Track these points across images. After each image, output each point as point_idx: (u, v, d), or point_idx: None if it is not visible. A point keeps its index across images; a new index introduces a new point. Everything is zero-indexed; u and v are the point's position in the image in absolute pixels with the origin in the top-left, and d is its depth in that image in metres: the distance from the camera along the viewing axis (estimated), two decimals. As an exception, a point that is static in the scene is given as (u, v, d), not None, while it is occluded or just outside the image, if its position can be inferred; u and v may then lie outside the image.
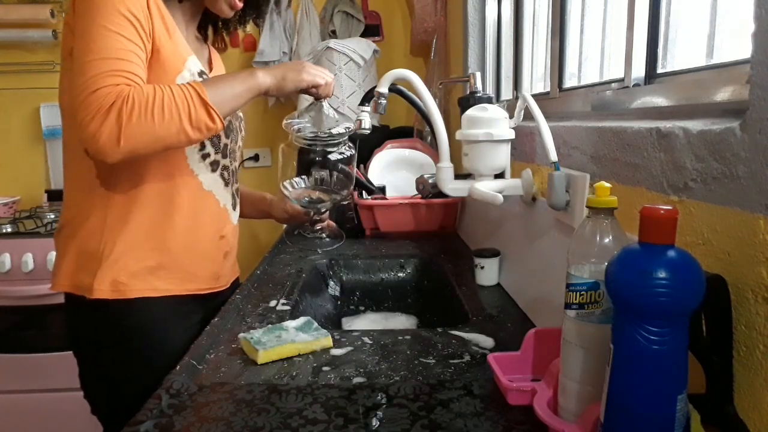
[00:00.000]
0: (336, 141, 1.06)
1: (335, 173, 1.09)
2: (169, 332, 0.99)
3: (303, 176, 1.09)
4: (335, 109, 1.14)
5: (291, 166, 1.10)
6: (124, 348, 0.97)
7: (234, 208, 1.13)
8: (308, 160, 1.07)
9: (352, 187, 1.13)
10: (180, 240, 0.99)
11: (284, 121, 1.07)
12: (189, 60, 0.98)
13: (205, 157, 1.02)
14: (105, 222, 0.95)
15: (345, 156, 1.09)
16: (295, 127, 1.06)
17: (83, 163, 0.95)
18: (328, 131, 1.05)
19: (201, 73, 1.00)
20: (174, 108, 0.84)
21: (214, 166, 1.04)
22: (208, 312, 1.06)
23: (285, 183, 1.10)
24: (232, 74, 0.96)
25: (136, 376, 0.93)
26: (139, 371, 0.94)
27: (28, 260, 1.99)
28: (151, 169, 0.96)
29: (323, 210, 1.17)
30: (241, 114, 1.16)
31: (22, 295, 2.00)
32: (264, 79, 0.95)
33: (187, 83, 0.88)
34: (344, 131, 1.07)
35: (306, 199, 1.11)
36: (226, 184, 1.08)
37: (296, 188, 1.09)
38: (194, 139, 0.88)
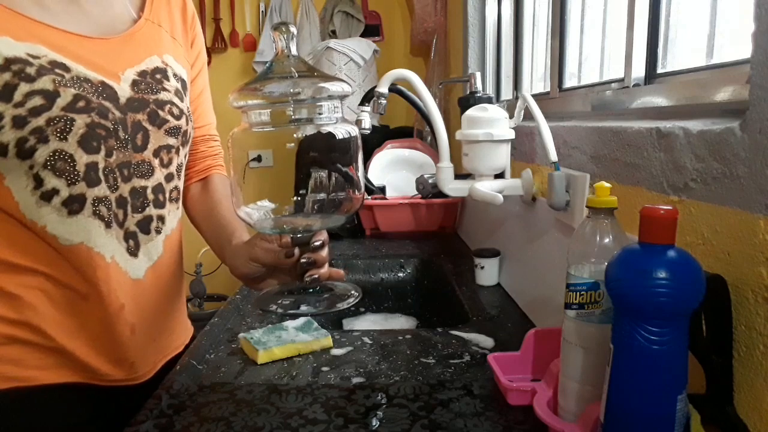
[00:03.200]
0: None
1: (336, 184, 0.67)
2: None
3: (261, 206, 0.67)
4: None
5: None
6: None
7: (135, 254, 0.75)
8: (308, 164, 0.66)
9: (360, 195, 0.68)
10: (32, 316, 0.70)
11: (232, 101, 0.62)
12: None
13: (49, 196, 0.67)
14: None
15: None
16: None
17: None
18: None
19: (11, 62, 0.64)
20: None
21: (72, 205, 0.69)
22: (114, 413, 0.75)
23: (244, 208, 0.67)
24: None
25: None
26: None
27: None
28: None
29: (317, 243, 0.67)
30: (171, 92, 0.78)
31: None
32: None
33: None
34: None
35: (283, 227, 0.67)
36: (110, 225, 0.72)
37: (260, 211, 0.66)
38: None
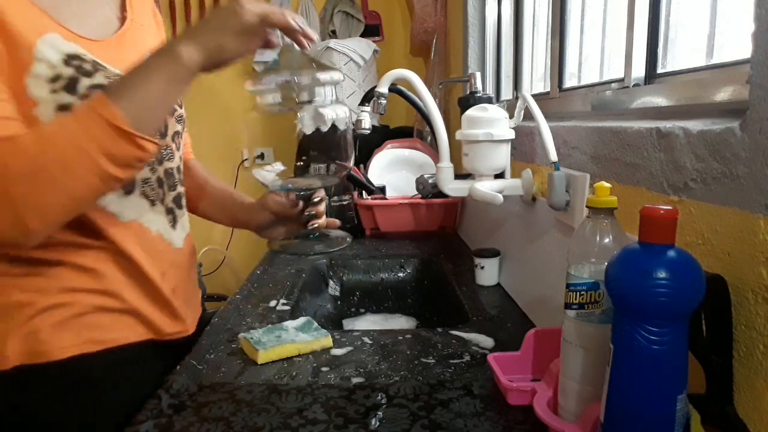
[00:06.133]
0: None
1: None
2: (111, 394, 0.77)
3: (272, 168, 0.85)
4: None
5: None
6: (54, 418, 0.73)
7: (174, 226, 0.86)
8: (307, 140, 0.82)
9: (350, 163, 0.86)
10: (110, 284, 0.77)
11: (248, 87, 0.76)
12: (40, 45, 0.65)
13: None
14: (7, 271, 0.71)
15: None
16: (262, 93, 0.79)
17: None
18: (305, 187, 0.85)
19: (71, 58, 0.68)
20: (83, 156, 0.60)
21: (127, 186, 0.77)
22: (170, 362, 0.83)
23: (259, 170, 0.83)
24: (142, 67, 0.64)
25: None
26: None
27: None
28: None
29: (316, 199, 0.86)
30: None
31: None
32: (191, 57, 0.64)
33: (88, 104, 0.61)
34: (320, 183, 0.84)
35: (289, 185, 0.84)
36: (154, 203, 0.81)
37: (274, 173, 0.83)
38: (125, 178, 0.65)
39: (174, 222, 0.86)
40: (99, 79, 0.69)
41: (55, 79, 0.66)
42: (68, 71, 0.67)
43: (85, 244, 0.74)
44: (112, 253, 0.77)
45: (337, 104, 0.79)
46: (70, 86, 0.67)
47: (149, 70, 0.63)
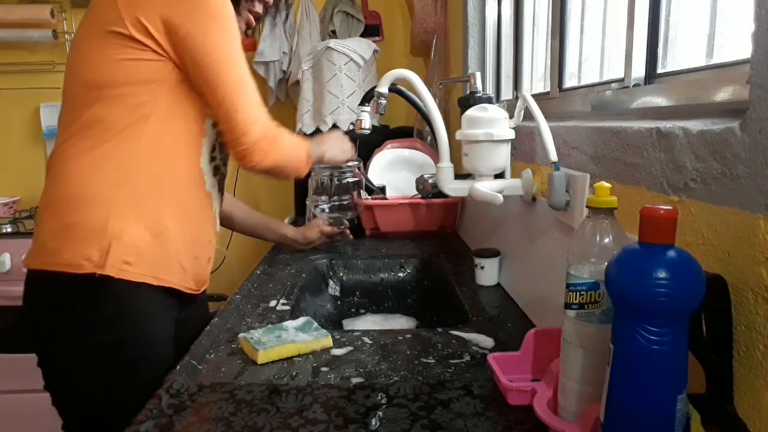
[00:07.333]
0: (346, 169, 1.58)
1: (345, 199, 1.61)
2: (154, 322, 0.96)
3: (324, 205, 1.59)
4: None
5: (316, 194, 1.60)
6: (109, 332, 0.91)
7: (219, 215, 1.13)
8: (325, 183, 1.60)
9: (356, 207, 1.65)
10: (179, 234, 0.98)
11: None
12: None
13: (213, 159, 1.05)
14: (114, 200, 0.92)
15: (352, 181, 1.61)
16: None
17: (104, 140, 0.92)
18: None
19: None
20: (300, 158, 1.12)
21: (216, 170, 1.07)
22: (183, 312, 1.04)
23: (315, 210, 1.62)
24: (314, 145, 1.22)
25: (117, 363, 0.92)
26: (118, 358, 0.92)
27: (28, 260, 1.99)
28: (173, 156, 0.97)
29: (345, 223, 1.61)
30: None
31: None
32: (322, 156, 1.28)
33: (305, 142, 1.15)
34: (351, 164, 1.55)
35: (341, 219, 1.59)
36: (220, 190, 1.11)
37: (324, 212, 1.59)
38: (296, 175, 1.15)
39: (220, 205, 1.12)
40: None
41: None
42: None
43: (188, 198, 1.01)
44: (188, 211, 1.00)
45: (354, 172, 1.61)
46: None
47: (318, 145, 1.26)
